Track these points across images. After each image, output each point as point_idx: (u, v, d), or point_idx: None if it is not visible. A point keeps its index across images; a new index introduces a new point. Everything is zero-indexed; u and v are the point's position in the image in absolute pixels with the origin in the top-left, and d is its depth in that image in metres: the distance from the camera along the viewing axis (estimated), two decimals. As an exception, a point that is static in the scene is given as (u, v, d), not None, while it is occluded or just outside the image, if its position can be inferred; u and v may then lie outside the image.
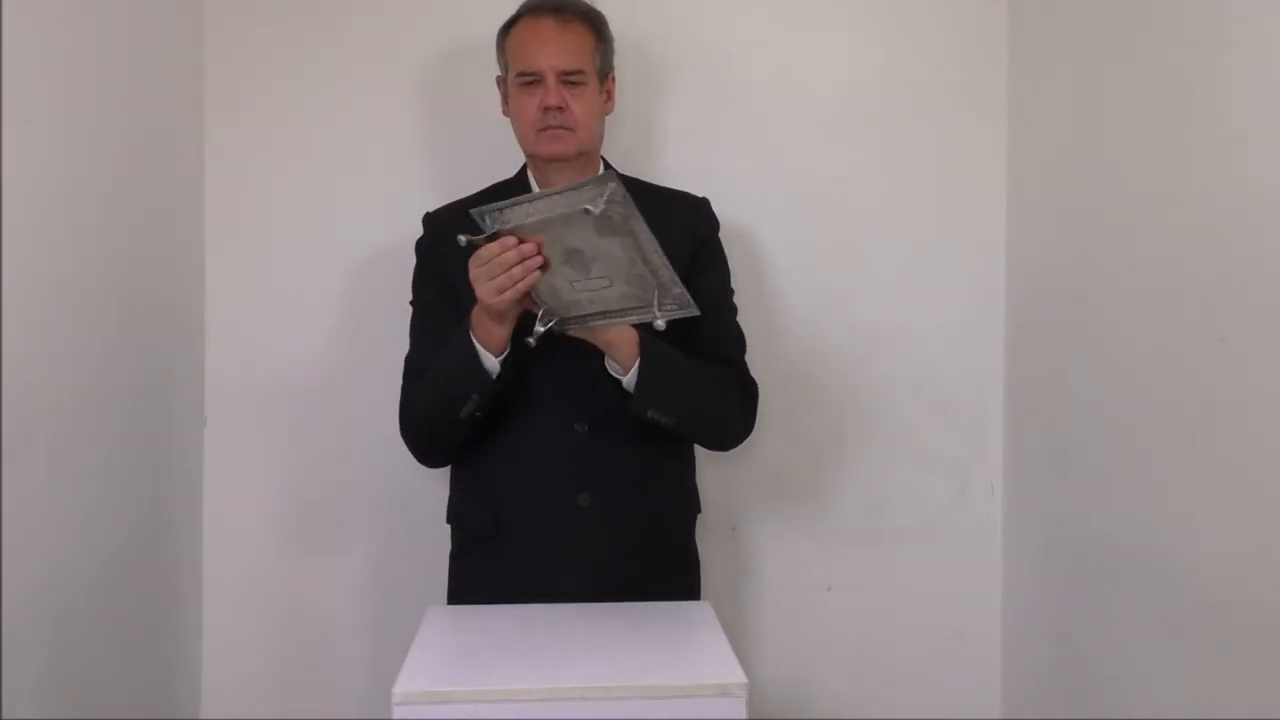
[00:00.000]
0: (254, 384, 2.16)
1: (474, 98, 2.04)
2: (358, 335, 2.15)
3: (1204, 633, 1.58)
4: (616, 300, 1.55)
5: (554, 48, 1.75)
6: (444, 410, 1.69)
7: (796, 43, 2.20)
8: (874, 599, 2.23)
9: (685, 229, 1.79)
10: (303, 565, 2.18)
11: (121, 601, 1.84)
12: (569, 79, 1.76)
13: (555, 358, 1.70)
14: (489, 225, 1.52)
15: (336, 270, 2.16)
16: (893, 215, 2.21)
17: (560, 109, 1.75)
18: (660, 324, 1.53)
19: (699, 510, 1.92)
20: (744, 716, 1.32)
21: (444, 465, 1.86)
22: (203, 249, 2.15)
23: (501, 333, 1.62)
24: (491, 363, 1.64)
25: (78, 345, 1.68)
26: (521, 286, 1.53)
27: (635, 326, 1.61)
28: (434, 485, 1.94)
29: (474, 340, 1.63)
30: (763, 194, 2.17)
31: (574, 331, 1.61)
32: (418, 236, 1.87)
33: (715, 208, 1.90)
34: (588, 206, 1.41)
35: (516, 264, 1.51)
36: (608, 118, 1.87)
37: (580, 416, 1.77)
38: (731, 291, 1.88)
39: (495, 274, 1.53)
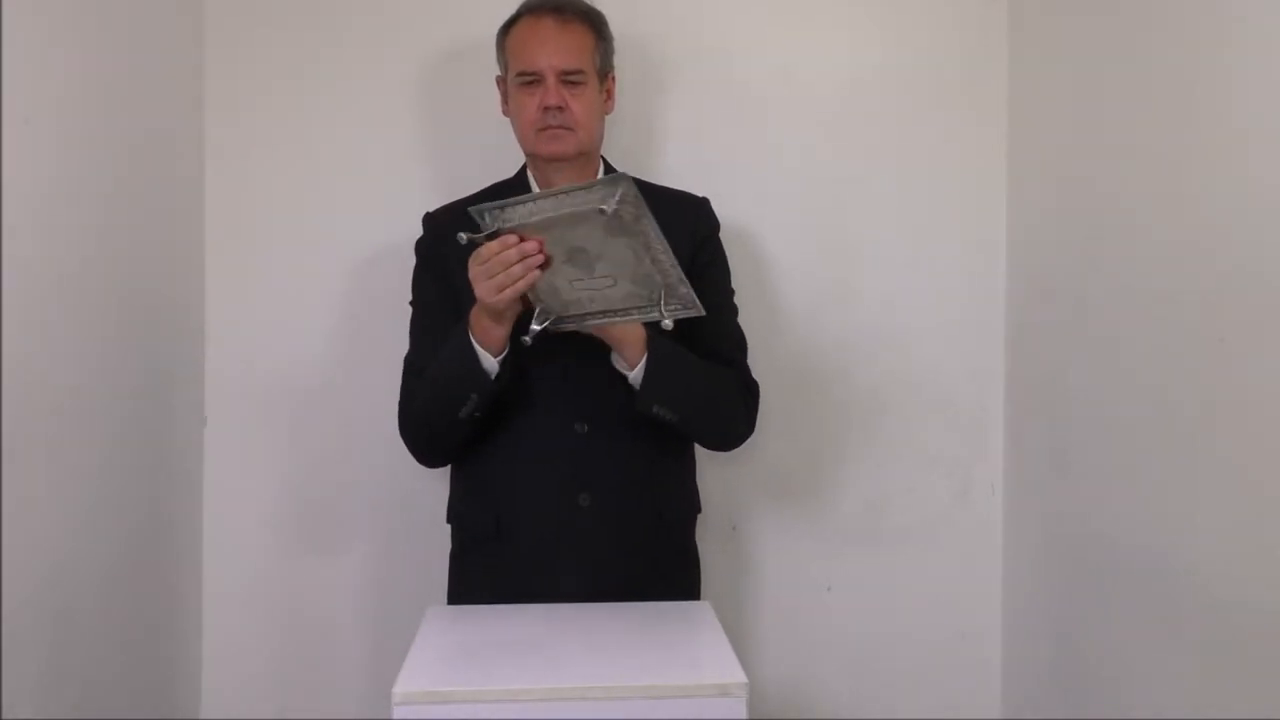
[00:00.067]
0: (254, 384, 2.16)
1: (474, 98, 2.04)
2: (358, 335, 2.15)
3: (1204, 633, 1.58)
4: (620, 299, 1.55)
5: (554, 47, 1.75)
6: (443, 410, 1.69)
7: (796, 43, 2.20)
8: (874, 599, 2.22)
9: (685, 229, 1.79)
10: (303, 565, 2.18)
11: (121, 601, 1.84)
12: (569, 79, 1.75)
13: (556, 358, 1.70)
14: (488, 224, 1.52)
15: (336, 270, 2.16)
16: (893, 215, 2.21)
17: (560, 109, 1.75)
18: (667, 323, 1.53)
19: (699, 510, 1.92)
20: (744, 716, 1.32)
21: (444, 465, 1.86)
22: (203, 249, 2.15)
23: (500, 332, 1.62)
24: (490, 363, 1.64)
25: (78, 345, 1.68)
26: (521, 285, 1.53)
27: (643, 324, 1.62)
28: (434, 485, 1.94)
29: (473, 340, 1.63)
30: (763, 194, 2.17)
31: (583, 328, 1.60)
32: (418, 236, 1.87)
33: (715, 207, 1.91)
34: (601, 206, 1.41)
35: (517, 262, 1.51)
36: (608, 117, 1.87)
37: (580, 416, 1.77)
38: (732, 292, 1.88)
39: (495, 272, 1.53)
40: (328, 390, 2.16)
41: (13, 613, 1.48)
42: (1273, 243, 1.44)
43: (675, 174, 2.02)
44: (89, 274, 1.72)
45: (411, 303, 1.85)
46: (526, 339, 1.58)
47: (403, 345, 1.82)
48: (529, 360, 1.68)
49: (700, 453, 1.93)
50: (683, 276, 1.50)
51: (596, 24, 1.81)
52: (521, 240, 1.50)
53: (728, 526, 2.20)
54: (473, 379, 1.65)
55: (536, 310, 1.59)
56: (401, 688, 1.32)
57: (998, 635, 2.24)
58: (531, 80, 1.76)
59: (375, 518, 2.18)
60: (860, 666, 2.23)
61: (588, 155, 1.82)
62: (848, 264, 2.21)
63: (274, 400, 2.16)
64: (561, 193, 1.47)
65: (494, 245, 1.52)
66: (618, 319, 1.58)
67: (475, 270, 1.55)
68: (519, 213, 1.49)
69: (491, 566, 1.79)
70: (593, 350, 1.67)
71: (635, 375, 1.66)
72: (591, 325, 1.60)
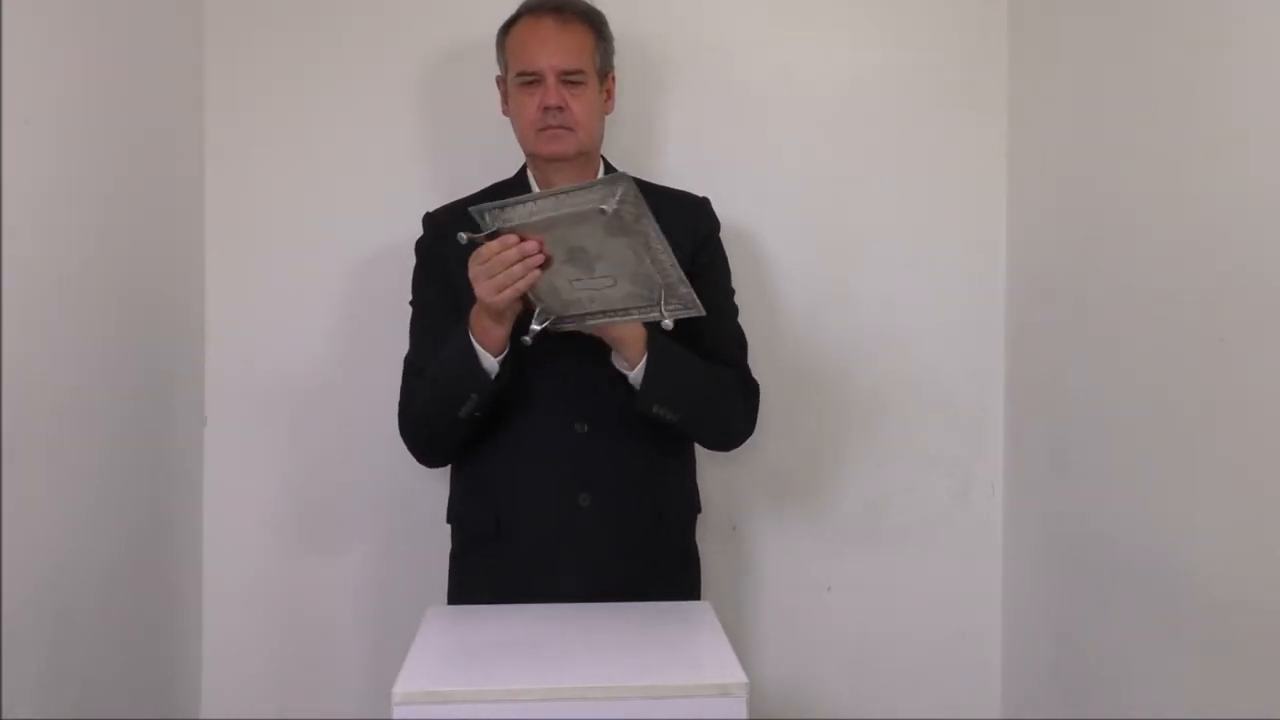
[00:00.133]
0: (254, 384, 2.16)
1: (474, 98, 2.04)
2: (358, 335, 2.15)
3: (1204, 633, 1.58)
4: (620, 299, 1.55)
5: (554, 47, 1.75)
6: (443, 410, 1.69)
7: (796, 43, 2.20)
8: (874, 599, 2.22)
9: (686, 229, 1.79)
10: (303, 565, 2.18)
11: (121, 601, 1.84)
12: (569, 79, 1.75)
13: (555, 358, 1.70)
14: (488, 223, 1.52)
15: (336, 270, 2.16)
16: (893, 215, 2.21)
17: (560, 109, 1.74)
18: (667, 323, 1.53)
19: (699, 510, 1.92)
20: (744, 716, 1.32)
21: (444, 465, 1.86)
22: (203, 249, 2.15)
23: (500, 332, 1.62)
24: (490, 363, 1.64)
25: (78, 345, 1.68)
26: (520, 285, 1.53)
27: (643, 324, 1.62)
28: (434, 485, 1.94)
29: (473, 340, 1.63)
30: (763, 194, 2.17)
31: (583, 328, 1.60)
32: (418, 236, 1.87)
33: (715, 207, 1.90)
34: (602, 206, 1.41)
35: (517, 262, 1.51)
36: (608, 117, 1.87)
37: (580, 416, 1.77)
38: (732, 292, 1.88)
39: (495, 272, 1.52)
40: (328, 390, 2.16)
41: (13, 613, 1.48)
42: (1273, 243, 1.44)
43: (675, 174, 2.02)
44: (89, 274, 1.72)
45: (411, 303, 1.84)
46: (526, 339, 1.59)
47: (403, 345, 1.82)
48: (529, 360, 1.68)
49: (700, 453, 1.93)
50: (683, 276, 1.50)
51: (596, 24, 1.81)
52: (521, 240, 1.50)
53: (728, 526, 2.20)
54: (473, 379, 1.65)
55: (536, 310, 1.59)
56: (401, 688, 1.32)
57: (998, 635, 2.24)
58: (531, 80, 1.76)
59: (375, 518, 2.18)
60: (860, 666, 2.23)
61: (588, 155, 1.82)
62: (848, 264, 2.21)
63: (274, 400, 2.16)
64: (562, 193, 1.47)
65: (494, 245, 1.52)
66: (618, 319, 1.58)
67: (475, 270, 1.55)
68: (519, 212, 1.49)
69: (491, 566, 1.79)
70: (593, 350, 1.67)
71: (635, 375, 1.66)
72: (591, 325, 1.60)
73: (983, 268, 2.22)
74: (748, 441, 1.85)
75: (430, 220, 1.87)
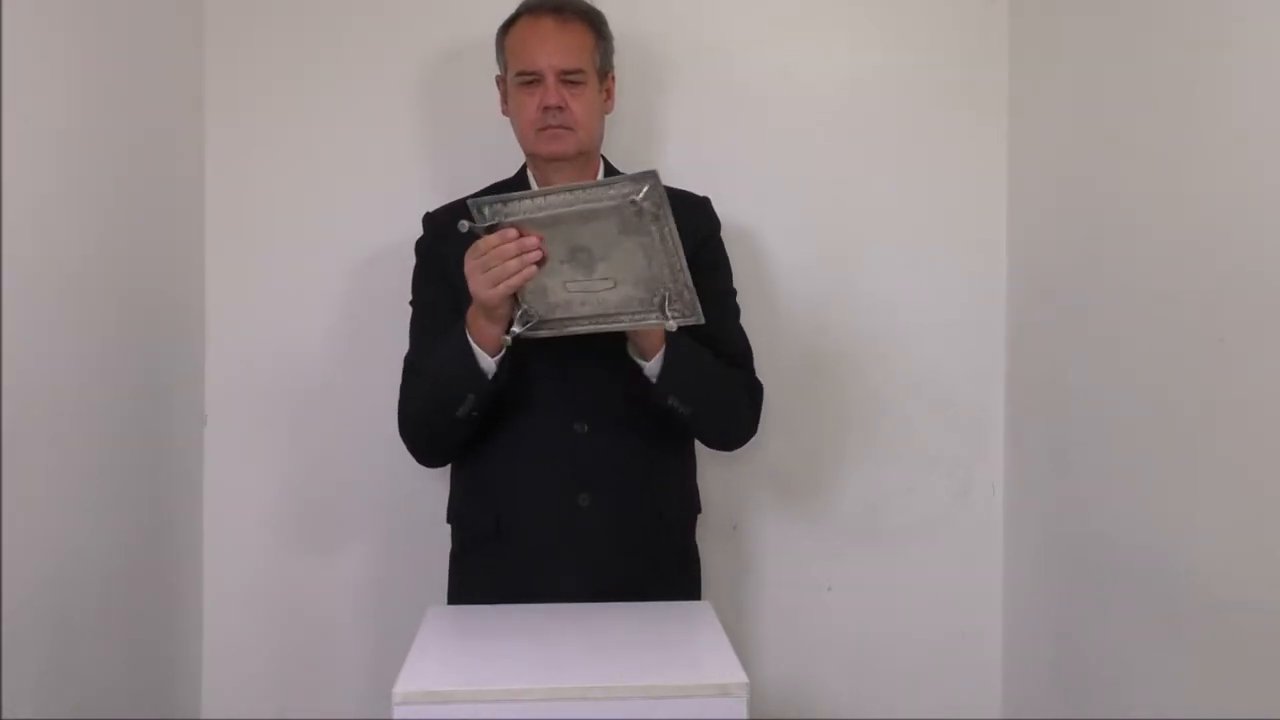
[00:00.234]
0: (254, 384, 2.16)
1: (474, 98, 2.04)
2: (358, 335, 2.15)
3: (1204, 633, 1.58)
4: (615, 303, 1.54)
5: (553, 47, 1.75)
6: (441, 410, 1.69)
7: (796, 43, 2.20)
8: (874, 599, 2.22)
9: (687, 228, 1.77)
10: (303, 565, 2.18)
11: (121, 601, 1.84)
12: (568, 78, 1.75)
13: (555, 357, 1.70)
14: (487, 217, 1.51)
15: (336, 270, 2.16)
16: (893, 215, 2.21)
17: (560, 108, 1.74)
18: (671, 325, 1.53)
19: (699, 510, 1.92)
20: (744, 716, 1.32)
21: (443, 465, 1.86)
22: (203, 249, 2.15)
23: (496, 331, 1.62)
24: (487, 363, 1.64)
25: (78, 345, 1.68)
26: (515, 281, 1.52)
27: None
28: (434, 485, 1.94)
29: (469, 340, 1.63)
30: (763, 193, 2.17)
31: (563, 333, 1.60)
32: (418, 236, 1.87)
33: (715, 207, 1.90)
34: (634, 197, 1.41)
35: (514, 257, 1.50)
36: (608, 117, 1.87)
37: (580, 416, 1.76)
38: (734, 292, 1.88)
39: (491, 265, 1.52)
40: (328, 390, 2.16)
41: (13, 613, 1.48)
42: (1273, 243, 1.44)
43: (675, 174, 2.00)
44: (89, 274, 1.72)
45: (411, 303, 1.84)
46: (507, 338, 1.58)
47: (403, 345, 1.82)
48: (529, 360, 1.68)
49: (701, 452, 1.93)
50: (690, 283, 1.49)
51: (596, 23, 1.81)
52: (521, 235, 1.50)
53: (728, 526, 2.20)
54: (469, 379, 1.64)
55: (518, 312, 1.58)
56: (401, 688, 1.32)
57: (998, 635, 2.23)
58: (531, 80, 1.76)
59: (375, 518, 2.18)
60: (860, 666, 2.22)
61: (588, 155, 1.82)
62: (848, 264, 2.21)
63: (274, 400, 2.16)
64: (578, 188, 1.46)
65: (492, 239, 1.51)
66: (606, 325, 1.57)
67: (471, 263, 1.55)
68: (524, 207, 1.48)
69: (491, 566, 1.79)
70: (593, 350, 1.67)
71: (653, 366, 1.66)
72: (574, 331, 1.59)
73: (983, 268, 2.22)
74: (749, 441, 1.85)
75: (430, 220, 1.87)
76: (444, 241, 1.74)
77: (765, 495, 2.22)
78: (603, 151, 1.89)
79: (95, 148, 1.74)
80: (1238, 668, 1.51)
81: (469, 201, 1.52)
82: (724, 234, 1.90)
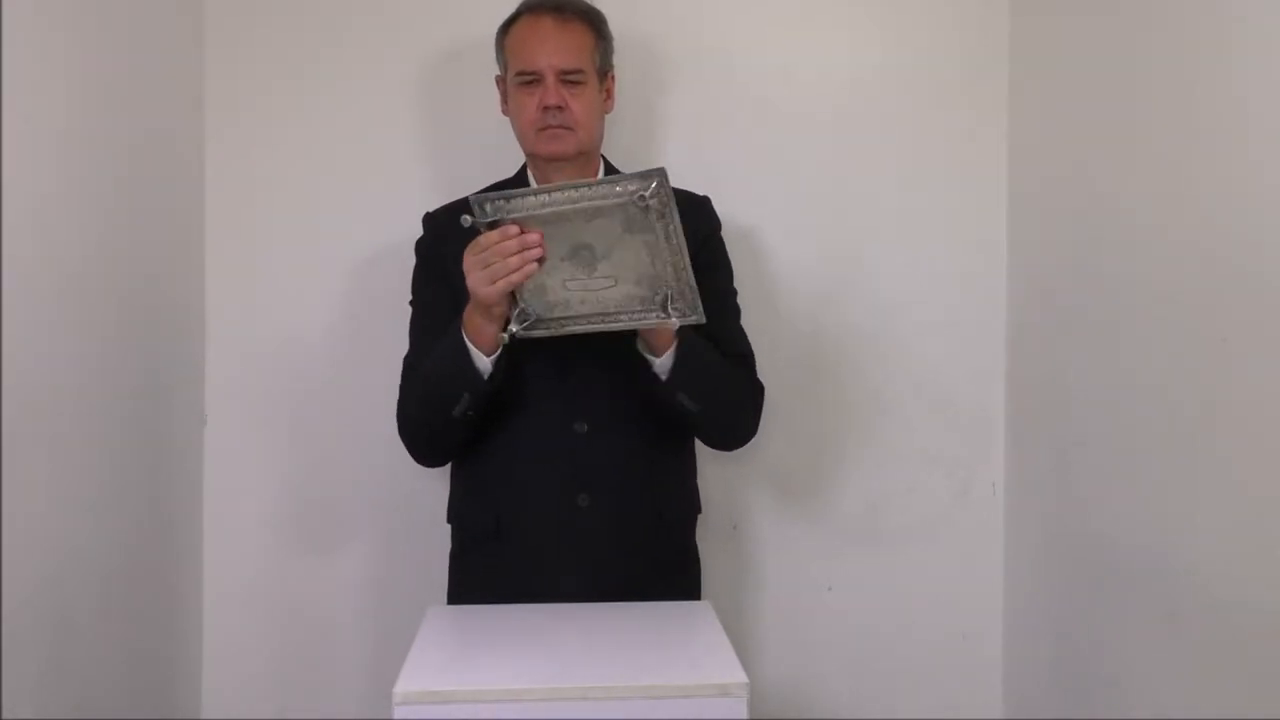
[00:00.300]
0: (254, 384, 2.16)
1: (474, 98, 2.04)
2: (358, 335, 2.15)
3: (1204, 633, 1.58)
4: (615, 302, 1.54)
5: (553, 46, 1.75)
6: (437, 409, 1.69)
7: (796, 43, 2.20)
8: (875, 599, 2.22)
9: (687, 228, 1.77)
10: (303, 565, 2.18)
11: (121, 601, 1.84)
12: (568, 78, 1.75)
13: (555, 357, 1.70)
14: (490, 213, 1.50)
15: (337, 270, 2.16)
16: (893, 215, 2.21)
17: (560, 108, 1.74)
18: (674, 323, 1.53)
19: (699, 510, 1.92)
20: (744, 716, 1.32)
21: (442, 465, 1.86)
22: (203, 249, 2.15)
23: (492, 330, 1.61)
24: (483, 363, 1.64)
25: (78, 345, 1.68)
26: (515, 278, 1.52)
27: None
28: (434, 485, 1.94)
29: (465, 339, 1.63)
30: (763, 193, 2.17)
31: (560, 333, 1.59)
32: (418, 236, 1.87)
33: (715, 207, 1.90)
34: (642, 193, 1.40)
35: (515, 254, 1.50)
36: (608, 117, 1.87)
37: (580, 416, 1.76)
38: (735, 292, 1.88)
39: (490, 262, 1.52)
40: (328, 390, 2.16)
41: (13, 613, 1.48)
42: (1273, 243, 1.44)
43: (675, 174, 1.97)
44: (89, 274, 1.72)
45: (411, 303, 1.84)
46: (505, 336, 1.58)
47: (403, 345, 1.82)
48: (528, 360, 1.67)
49: (701, 452, 1.93)
50: (693, 283, 1.49)
51: (596, 23, 1.81)
52: (522, 232, 1.50)
53: (728, 526, 2.20)
54: (465, 378, 1.64)
55: (515, 311, 1.58)
56: (401, 688, 1.32)
57: (998, 635, 2.23)
58: (531, 80, 1.76)
59: (375, 518, 2.18)
60: (860, 666, 2.22)
61: (588, 155, 1.82)
62: (848, 264, 2.21)
63: (274, 400, 2.16)
64: (583, 185, 1.45)
65: (493, 235, 1.51)
66: (605, 324, 1.57)
67: (470, 260, 1.54)
68: (527, 203, 1.47)
69: (491, 566, 1.79)
70: (593, 349, 1.67)
71: (664, 362, 1.65)
72: (572, 330, 1.59)
73: (983, 268, 2.22)
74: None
75: (430, 220, 1.87)
76: (444, 241, 1.74)
77: (765, 495, 2.22)
78: (603, 151, 1.89)
79: (95, 148, 1.74)
80: (1238, 668, 1.51)
81: (471, 198, 1.52)
82: (724, 233, 1.90)
